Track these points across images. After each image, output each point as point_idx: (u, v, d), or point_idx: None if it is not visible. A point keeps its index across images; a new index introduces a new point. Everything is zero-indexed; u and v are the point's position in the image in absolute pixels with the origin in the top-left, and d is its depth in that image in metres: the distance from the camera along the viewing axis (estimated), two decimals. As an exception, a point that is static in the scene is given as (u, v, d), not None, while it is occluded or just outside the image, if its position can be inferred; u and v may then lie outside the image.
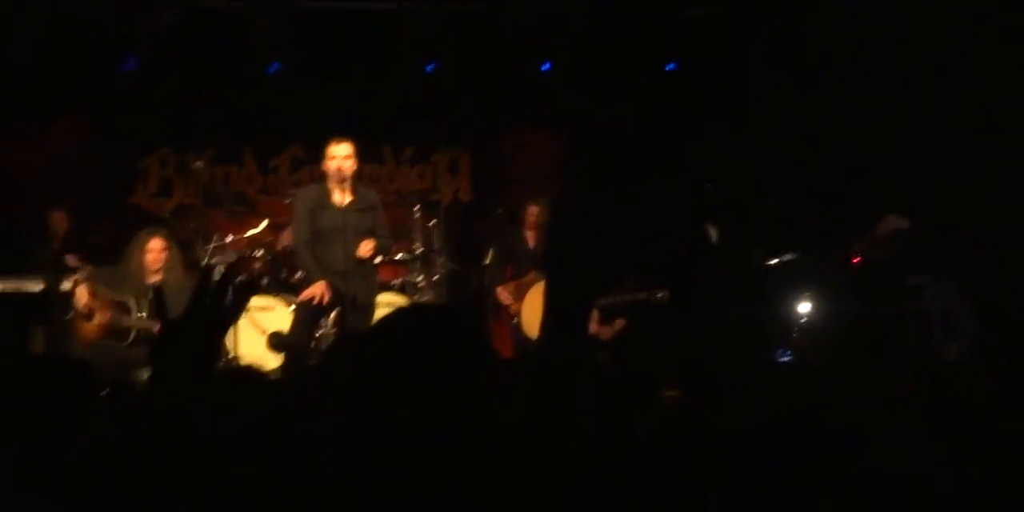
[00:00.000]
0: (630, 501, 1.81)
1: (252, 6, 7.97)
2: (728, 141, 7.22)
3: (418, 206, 7.76)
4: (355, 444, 1.48)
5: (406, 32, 8.16)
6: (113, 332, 5.91)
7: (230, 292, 1.65)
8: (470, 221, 8.76)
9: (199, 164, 7.97)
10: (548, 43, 8.26)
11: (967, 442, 1.95)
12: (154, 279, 5.99)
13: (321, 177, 6.05)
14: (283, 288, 7.07)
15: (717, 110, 7.91)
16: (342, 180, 5.77)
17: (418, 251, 7.54)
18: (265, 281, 7.12)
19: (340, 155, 5.77)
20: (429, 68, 8.53)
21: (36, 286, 6.78)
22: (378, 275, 6.43)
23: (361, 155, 6.01)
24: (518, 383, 2.35)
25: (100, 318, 5.93)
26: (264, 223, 7.53)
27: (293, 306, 6.37)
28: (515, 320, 7.16)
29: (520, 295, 7.17)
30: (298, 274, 6.66)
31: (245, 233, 7.44)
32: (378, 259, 6.22)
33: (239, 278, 6.87)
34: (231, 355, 6.44)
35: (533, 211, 7.39)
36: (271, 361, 6.56)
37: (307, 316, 5.86)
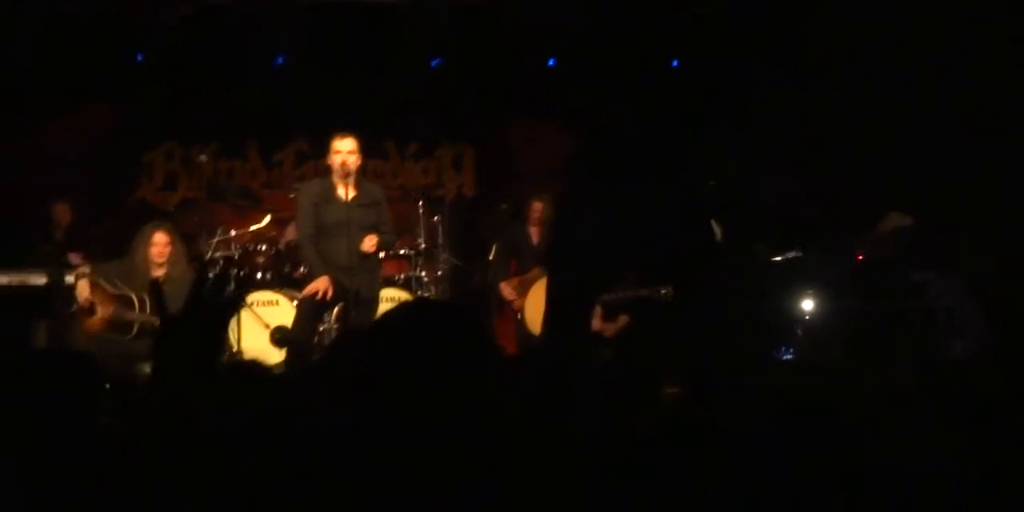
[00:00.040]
0: (631, 498, 1.81)
1: (257, 1, 7.98)
2: (728, 140, 7.21)
3: (422, 201, 7.73)
4: (358, 439, 1.48)
5: (410, 27, 8.17)
6: (116, 326, 5.93)
7: (230, 285, 1.66)
8: (474, 217, 8.76)
9: (203, 158, 7.96)
10: (549, 42, 8.26)
11: (972, 439, 1.94)
12: (158, 273, 6.00)
13: (325, 172, 6.06)
14: (287, 283, 7.06)
15: (718, 109, 7.90)
16: (346, 175, 5.76)
17: (422, 246, 7.52)
18: (268, 276, 7.13)
19: (344, 150, 5.77)
20: (434, 63, 8.54)
21: (39, 280, 6.79)
22: (382, 270, 6.42)
23: (365, 150, 6.01)
24: (521, 379, 2.35)
25: (102, 312, 5.94)
26: (268, 217, 7.52)
27: (296, 301, 6.37)
28: (518, 316, 7.16)
29: (524, 291, 7.16)
30: (302, 269, 6.65)
31: (249, 227, 7.43)
32: (382, 254, 6.23)
33: (239, 271, 6.89)
34: (234, 350, 6.45)
35: (537, 207, 7.38)
36: (274, 356, 6.57)
37: (310, 311, 5.85)
